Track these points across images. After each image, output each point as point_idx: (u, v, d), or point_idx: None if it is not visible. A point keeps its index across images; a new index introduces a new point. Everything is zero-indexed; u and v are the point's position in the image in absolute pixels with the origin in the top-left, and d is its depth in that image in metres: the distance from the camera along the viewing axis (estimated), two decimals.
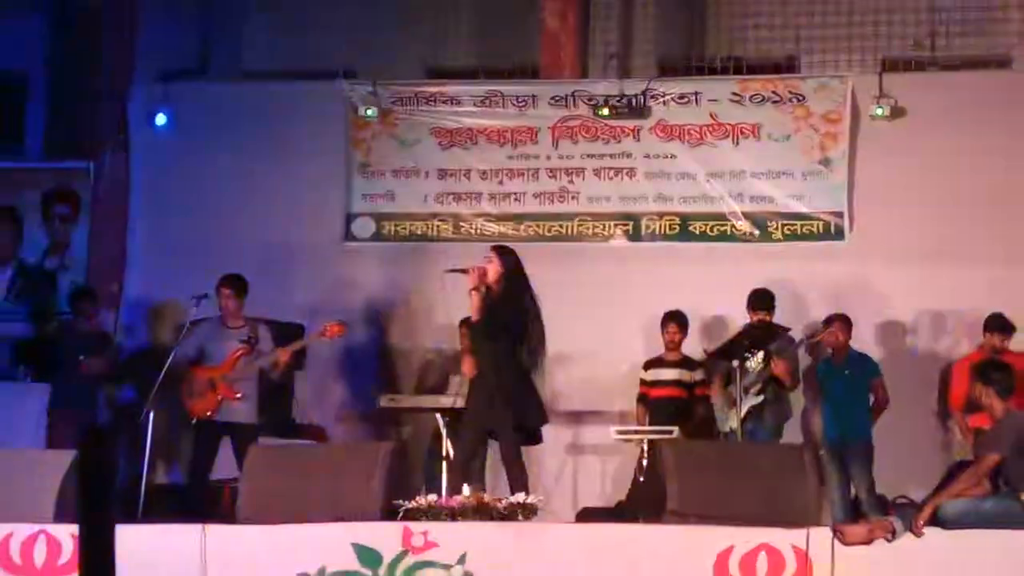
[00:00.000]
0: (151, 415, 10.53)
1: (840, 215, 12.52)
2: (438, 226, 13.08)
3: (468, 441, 9.84)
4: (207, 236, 12.86)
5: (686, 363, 11.84)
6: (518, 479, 9.34)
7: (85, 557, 5.51)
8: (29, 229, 13.70)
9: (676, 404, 11.70)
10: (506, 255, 9.89)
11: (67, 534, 8.48)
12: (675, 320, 11.81)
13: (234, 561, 8.37)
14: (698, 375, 11.79)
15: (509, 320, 9.69)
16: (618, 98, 12.76)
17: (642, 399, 11.88)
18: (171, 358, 10.71)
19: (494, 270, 9.82)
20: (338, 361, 12.58)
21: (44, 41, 14.26)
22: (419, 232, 13.11)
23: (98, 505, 5.49)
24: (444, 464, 10.73)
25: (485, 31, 13.93)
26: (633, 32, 13.70)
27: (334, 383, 12.60)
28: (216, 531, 8.70)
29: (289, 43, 13.99)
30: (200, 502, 10.47)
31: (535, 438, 9.94)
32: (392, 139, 13.17)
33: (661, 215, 12.81)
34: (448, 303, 12.34)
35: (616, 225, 12.84)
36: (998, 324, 11.21)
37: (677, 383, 11.78)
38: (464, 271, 9.88)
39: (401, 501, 8.71)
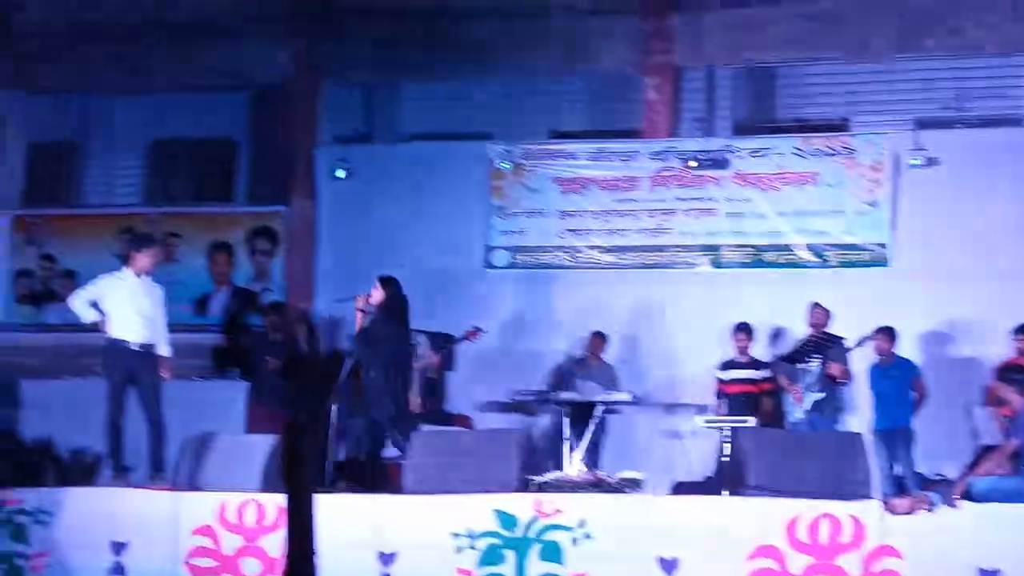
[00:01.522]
0: (334, 407, 10.56)
1: (884, 246, 12.32)
2: (559, 256, 13.05)
3: None
4: (377, 264, 12.81)
5: (754, 364, 11.74)
6: None
7: (292, 521, 5.56)
8: (239, 260, 13.88)
9: (747, 398, 11.58)
10: (388, 284, 9.82)
11: (272, 501, 8.59)
12: (743, 330, 11.74)
13: (400, 524, 8.43)
14: (764, 374, 11.67)
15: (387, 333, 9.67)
16: (703, 153, 12.69)
17: (719, 394, 11.78)
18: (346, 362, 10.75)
19: (377, 296, 9.73)
20: (481, 362, 12.57)
21: (247, 112, 14.43)
22: (544, 261, 13.09)
23: (299, 478, 5.54)
24: (566, 446, 10.72)
25: (597, 101, 13.88)
26: (715, 100, 13.58)
27: (478, 380, 12.58)
28: (386, 500, 8.79)
29: (440, 111, 14.06)
30: (373, 476, 10.50)
31: None
32: (523, 187, 13.16)
33: (738, 247, 12.67)
34: (570, 317, 12.49)
35: (702, 255, 12.74)
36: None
37: (747, 380, 11.67)
38: (353, 298, 9.85)
39: (533, 477, 8.71)
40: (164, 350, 9.60)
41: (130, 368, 9.41)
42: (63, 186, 14.65)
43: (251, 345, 12.39)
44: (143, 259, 9.58)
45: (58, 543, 8.89)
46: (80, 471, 11.06)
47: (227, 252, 13.78)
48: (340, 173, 13.40)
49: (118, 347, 9.42)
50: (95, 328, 9.63)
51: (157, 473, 9.36)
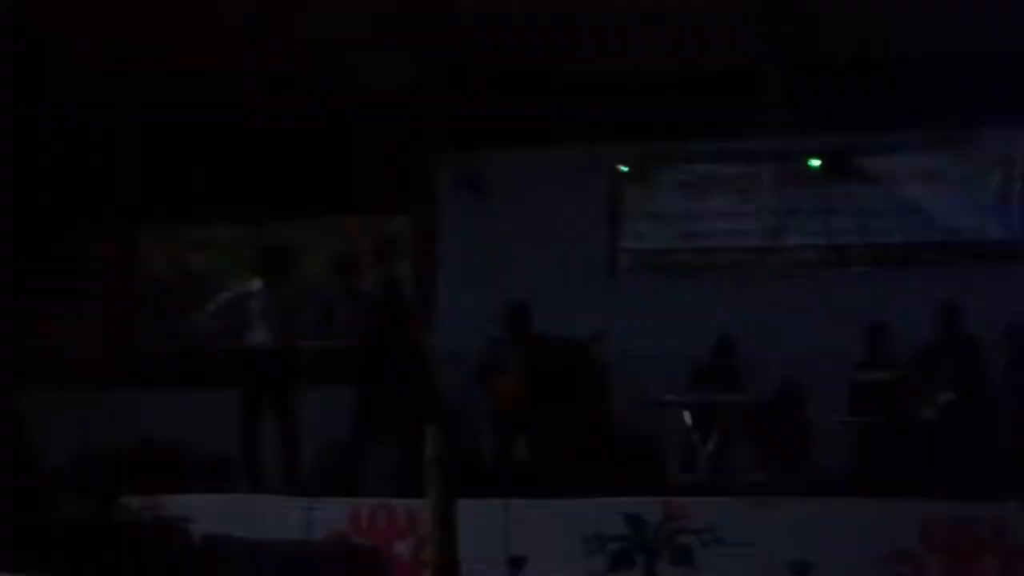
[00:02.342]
0: (457, 411, 10.61)
1: (1017, 242, 12.05)
2: (684, 259, 12.98)
3: None
4: (501, 271, 12.98)
5: (889, 364, 11.53)
6: None
7: (435, 526, 5.63)
8: (363, 270, 13.96)
9: (882, 397, 11.37)
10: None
11: (403, 507, 8.68)
12: (877, 330, 11.55)
13: (530, 529, 8.46)
14: (899, 373, 11.46)
15: None
16: (827, 152, 12.53)
17: (853, 393, 11.58)
18: (475, 369, 10.83)
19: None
20: (606, 366, 12.52)
21: (370, 124, 14.56)
22: (668, 264, 13.03)
23: (442, 483, 5.62)
24: (694, 449, 10.65)
25: (717, 101, 13.74)
26: (838, 95, 13.34)
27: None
28: (515, 504, 8.82)
29: (560, 116, 14.03)
30: (504, 480, 10.53)
31: None
32: (644, 190, 13.12)
33: (864, 246, 12.49)
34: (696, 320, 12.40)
35: (827, 255, 12.57)
36: None
37: (882, 380, 11.47)
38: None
39: (662, 480, 8.69)
40: (298, 357, 9.73)
41: (264, 376, 9.57)
42: None
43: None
44: (275, 268, 9.75)
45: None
46: (215, 478, 11.27)
47: (353, 262, 13.93)
48: (463, 181, 13.47)
49: (252, 355, 9.59)
50: (227, 336, 9.84)
51: (292, 479, 9.51)
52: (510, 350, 10.97)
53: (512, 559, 8.36)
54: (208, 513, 9.11)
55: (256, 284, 9.84)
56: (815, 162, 12.51)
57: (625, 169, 13.09)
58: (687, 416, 10.95)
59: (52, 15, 13.15)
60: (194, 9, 13.16)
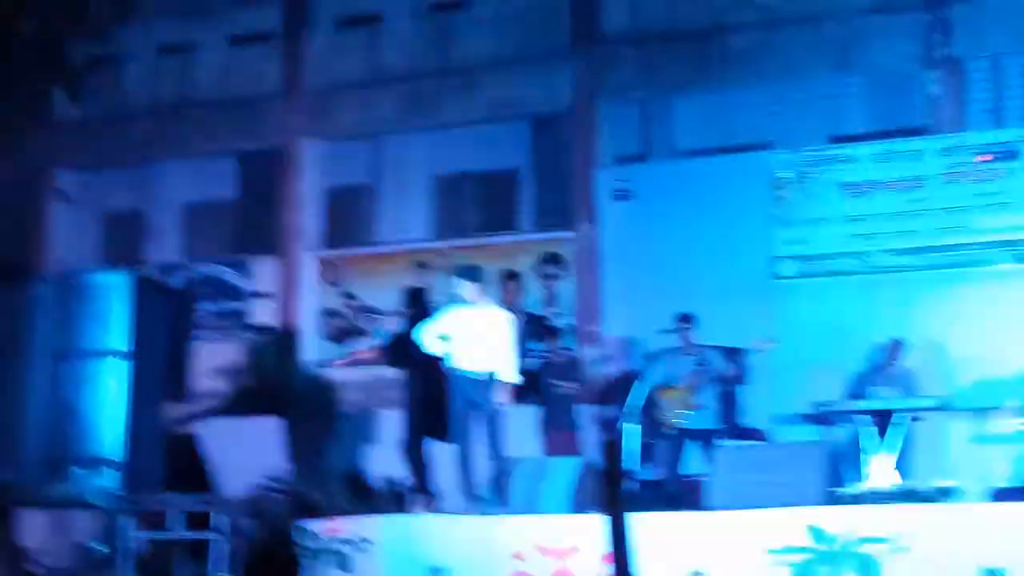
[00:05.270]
0: (627, 426, 10.58)
1: None
2: (848, 262, 12.74)
3: None
4: (662, 282, 12.92)
5: None
6: None
7: (614, 541, 5.62)
8: (528, 286, 14.09)
9: None
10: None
11: (579, 523, 8.66)
12: None
13: (710, 542, 8.36)
14: None
15: None
16: (996, 145, 12.18)
17: None
18: (641, 381, 10.79)
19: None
20: (773, 375, 12.37)
21: (528, 140, 14.68)
22: (832, 268, 12.80)
23: (617, 498, 5.60)
24: (870, 457, 10.41)
25: (876, 100, 13.49)
26: (1003, 88, 13.00)
27: (772, 393, 12.38)
28: (694, 517, 8.73)
29: (716, 124, 13.94)
30: (676, 493, 10.50)
31: None
32: (805, 194, 12.93)
33: None
34: (863, 324, 12.16)
35: (1002, 251, 12.19)
36: None
37: None
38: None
39: (841, 489, 8.52)
40: (508, 377, 9.76)
41: (471, 396, 9.64)
42: (359, 226, 15.26)
43: (541, 370, 12.53)
44: (471, 289, 9.82)
45: (379, 570, 9.18)
46: (392, 499, 11.44)
47: (516, 279, 14.04)
48: (620, 194, 13.48)
49: (459, 376, 9.70)
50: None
51: (500, 500, 9.52)
52: (677, 360, 10.91)
53: (694, 574, 8.27)
54: (389, 535, 9.24)
55: (467, 305, 9.89)
56: (985, 157, 12.13)
57: (787, 174, 12.89)
58: (862, 421, 10.71)
59: None
60: None
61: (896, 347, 11.74)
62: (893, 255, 12.55)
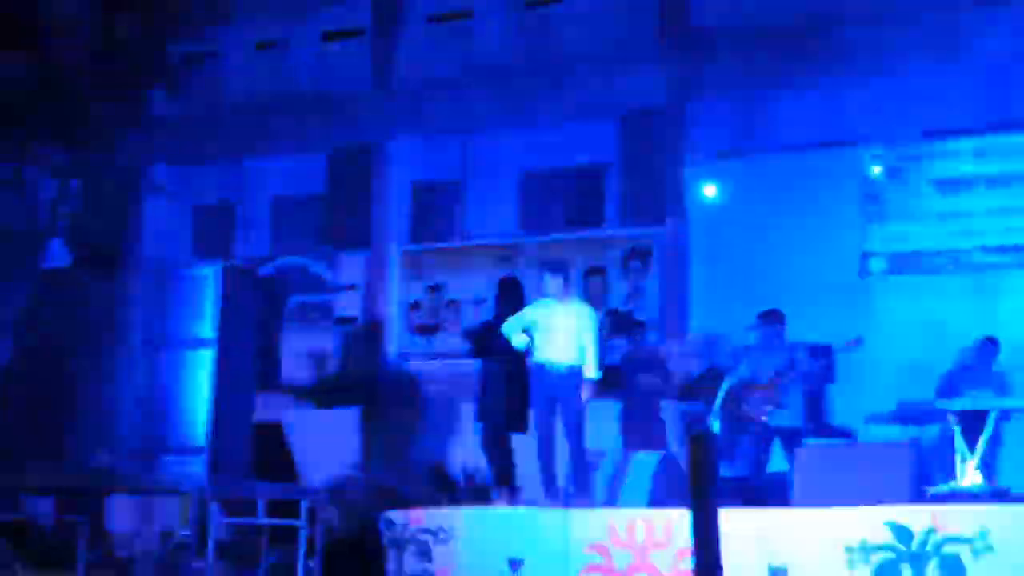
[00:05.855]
0: (716, 424, 10.50)
1: None
2: (942, 260, 12.53)
3: None
4: (751, 278, 12.80)
5: None
6: None
7: (697, 535, 5.58)
8: (612, 281, 14.09)
9: None
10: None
11: (660, 518, 8.63)
12: None
13: (791, 539, 8.29)
14: None
15: None
16: None
17: None
18: (730, 377, 10.71)
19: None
20: (863, 373, 12.19)
21: (617, 137, 14.64)
22: (925, 266, 12.60)
23: (705, 493, 5.55)
24: (958, 457, 10.22)
25: (973, 94, 13.22)
26: None
27: (861, 392, 12.21)
28: (777, 514, 8.66)
29: (810, 120, 13.78)
30: (759, 491, 10.40)
31: None
32: (899, 191, 12.74)
33: None
34: (956, 324, 11.96)
35: None
36: None
37: None
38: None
39: (927, 488, 8.39)
40: (590, 372, 9.75)
41: (553, 391, 9.65)
42: (445, 221, 15.34)
43: (623, 365, 12.50)
44: (554, 284, 9.82)
45: (458, 560, 9.24)
46: (473, 492, 11.49)
47: (602, 275, 14.02)
48: (710, 190, 13.41)
49: (542, 371, 9.72)
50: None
51: (580, 494, 9.51)
52: (764, 357, 10.82)
53: (774, 569, 8.20)
54: (469, 527, 9.29)
55: (551, 299, 9.90)
56: None
57: (880, 170, 12.71)
58: (953, 420, 10.52)
59: None
60: None
61: (988, 347, 11.52)
62: (987, 253, 12.32)
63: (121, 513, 12.33)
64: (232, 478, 10.62)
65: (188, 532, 10.33)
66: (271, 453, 12.45)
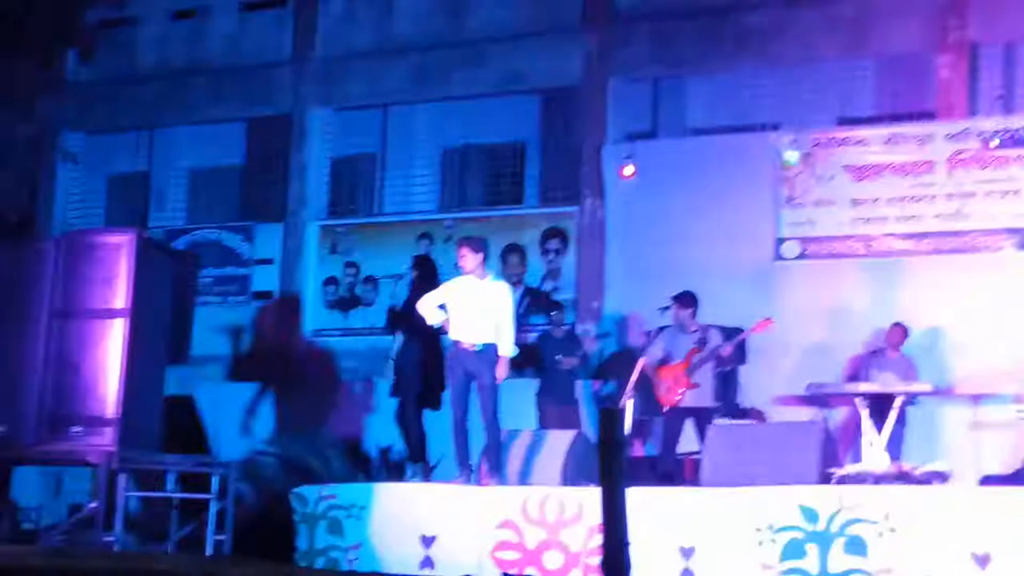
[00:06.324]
0: (629, 403, 10.58)
1: None
2: (852, 246, 12.72)
3: None
4: (665, 261, 12.90)
5: None
6: None
7: (607, 511, 5.60)
8: (531, 260, 14.12)
9: None
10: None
11: (571, 496, 8.69)
12: None
13: (700, 518, 8.38)
14: None
15: None
16: (1005, 131, 12.13)
17: None
18: (643, 358, 10.81)
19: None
20: (773, 355, 12.36)
21: (536, 116, 14.67)
22: (836, 251, 12.79)
23: (613, 470, 5.58)
24: (864, 439, 10.42)
25: (885, 84, 13.43)
26: (1015, 75, 12.95)
27: (771, 374, 12.37)
28: (686, 494, 8.75)
29: (723, 105, 13.90)
30: (671, 470, 10.51)
31: None
32: (811, 177, 12.89)
33: None
34: (864, 308, 12.15)
35: (1006, 238, 12.17)
36: None
37: None
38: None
39: (833, 470, 8.53)
40: (505, 350, 9.72)
41: (468, 368, 9.62)
42: (363, 196, 15.27)
43: (540, 344, 12.56)
44: (470, 260, 9.76)
45: (371, 536, 9.23)
46: (386, 468, 11.48)
47: (520, 254, 14.04)
48: (627, 171, 13.46)
49: (457, 348, 9.69)
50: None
51: (493, 472, 9.50)
52: (676, 338, 10.91)
53: (683, 549, 8.30)
54: (382, 503, 9.29)
55: (466, 276, 9.84)
56: (994, 143, 12.09)
57: (794, 155, 12.86)
58: (860, 404, 10.72)
59: None
60: None
61: (896, 332, 11.73)
62: (897, 239, 12.54)
63: (28, 485, 12.15)
64: (142, 451, 10.52)
65: (97, 504, 10.19)
66: (183, 426, 12.34)
